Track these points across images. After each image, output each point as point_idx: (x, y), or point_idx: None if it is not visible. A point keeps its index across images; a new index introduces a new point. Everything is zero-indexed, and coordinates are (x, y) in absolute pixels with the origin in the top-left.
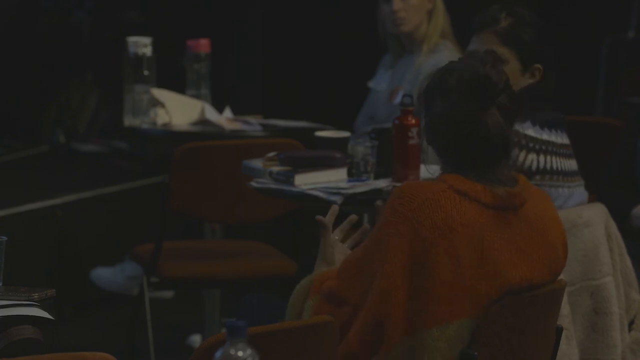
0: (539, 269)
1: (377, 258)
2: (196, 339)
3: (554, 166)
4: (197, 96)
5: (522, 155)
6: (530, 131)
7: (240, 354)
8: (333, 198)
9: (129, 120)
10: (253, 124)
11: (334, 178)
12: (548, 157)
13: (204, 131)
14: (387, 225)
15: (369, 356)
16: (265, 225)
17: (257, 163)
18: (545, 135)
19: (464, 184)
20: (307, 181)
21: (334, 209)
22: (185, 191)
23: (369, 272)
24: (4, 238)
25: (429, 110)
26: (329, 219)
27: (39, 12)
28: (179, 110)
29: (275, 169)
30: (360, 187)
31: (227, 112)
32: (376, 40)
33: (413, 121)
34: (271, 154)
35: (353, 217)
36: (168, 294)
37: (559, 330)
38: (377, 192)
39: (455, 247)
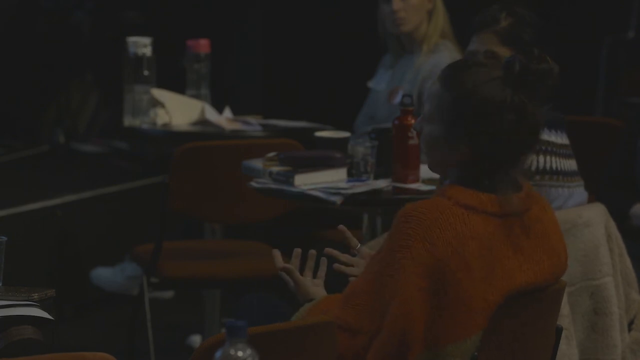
0: (544, 274)
1: (390, 283)
2: (196, 339)
3: (554, 166)
4: (197, 96)
5: None
6: None
7: (240, 354)
8: (333, 198)
9: (129, 121)
10: (253, 124)
11: (333, 178)
12: (548, 157)
13: (203, 131)
14: (398, 249)
15: None
16: (265, 225)
17: (257, 163)
18: (544, 135)
19: (468, 196)
20: (307, 181)
21: (297, 252)
22: (185, 191)
23: (382, 298)
24: (4, 238)
25: (461, 102)
26: (294, 262)
27: (39, 12)
28: (178, 110)
29: (275, 169)
30: (360, 187)
31: (227, 112)
32: (376, 40)
33: (413, 121)
34: (271, 154)
35: (298, 251)
36: (168, 294)
37: (559, 331)
38: (377, 192)
39: (468, 262)
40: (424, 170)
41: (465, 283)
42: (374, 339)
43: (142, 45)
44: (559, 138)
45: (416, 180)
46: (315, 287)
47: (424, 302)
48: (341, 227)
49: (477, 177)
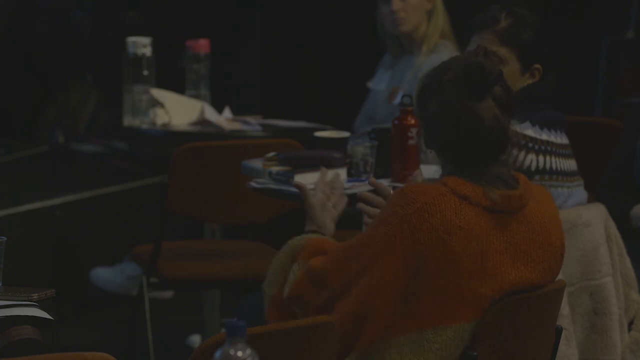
0: (540, 270)
1: (367, 253)
2: (196, 339)
3: (554, 166)
4: (197, 96)
5: (521, 155)
6: (530, 131)
7: (239, 354)
8: None
9: (128, 121)
10: (252, 124)
11: None
12: (547, 157)
13: (203, 131)
14: (383, 225)
15: (343, 347)
16: (265, 226)
17: (257, 163)
18: (544, 135)
19: (465, 187)
20: (307, 181)
21: (323, 171)
22: (185, 191)
23: (355, 264)
24: (4, 238)
25: (424, 111)
26: (321, 179)
27: (38, 12)
28: (178, 110)
29: (275, 169)
30: (360, 187)
31: (227, 112)
32: (376, 40)
33: (412, 121)
34: (270, 154)
35: (324, 172)
36: (168, 294)
37: (559, 331)
38: (376, 193)
39: (454, 251)
40: (424, 170)
41: (448, 271)
42: (335, 299)
43: (141, 45)
44: (559, 138)
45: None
46: (324, 214)
47: (397, 281)
48: (371, 179)
49: (466, 171)
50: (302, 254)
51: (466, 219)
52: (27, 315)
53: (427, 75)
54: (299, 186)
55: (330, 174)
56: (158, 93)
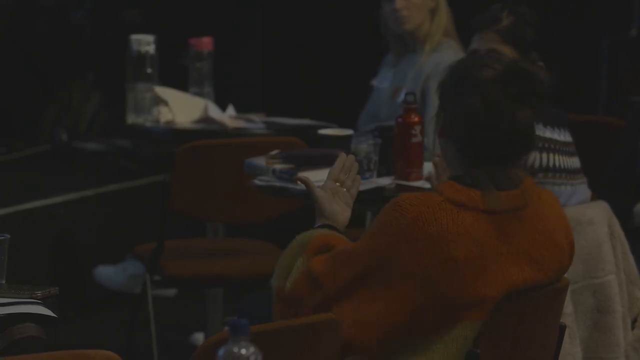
0: (545, 270)
1: (362, 262)
2: (199, 337)
3: (557, 164)
4: (200, 94)
5: None
6: None
7: (243, 352)
8: None
9: (131, 119)
10: (256, 122)
11: None
12: (551, 155)
13: (206, 129)
14: (379, 236)
15: (343, 349)
16: (268, 224)
17: (260, 161)
18: (547, 133)
19: (461, 193)
20: (310, 179)
21: (342, 157)
22: (188, 190)
23: (350, 270)
24: (7, 236)
25: (455, 102)
26: (338, 165)
27: (38, 12)
28: (182, 108)
29: (278, 167)
30: (363, 185)
31: (230, 110)
32: (380, 38)
33: (416, 119)
34: (274, 152)
35: (342, 156)
36: (171, 292)
37: (562, 329)
38: (380, 190)
39: (454, 258)
40: (428, 168)
41: (451, 278)
42: (329, 302)
43: (145, 43)
44: (562, 136)
45: (419, 177)
46: (334, 202)
47: (395, 291)
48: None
49: (468, 173)
50: (308, 249)
51: (464, 225)
52: (30, 313)
53: (457, 69)
54: (303, 181)
55: (347, 159)
56: (162, 91)
